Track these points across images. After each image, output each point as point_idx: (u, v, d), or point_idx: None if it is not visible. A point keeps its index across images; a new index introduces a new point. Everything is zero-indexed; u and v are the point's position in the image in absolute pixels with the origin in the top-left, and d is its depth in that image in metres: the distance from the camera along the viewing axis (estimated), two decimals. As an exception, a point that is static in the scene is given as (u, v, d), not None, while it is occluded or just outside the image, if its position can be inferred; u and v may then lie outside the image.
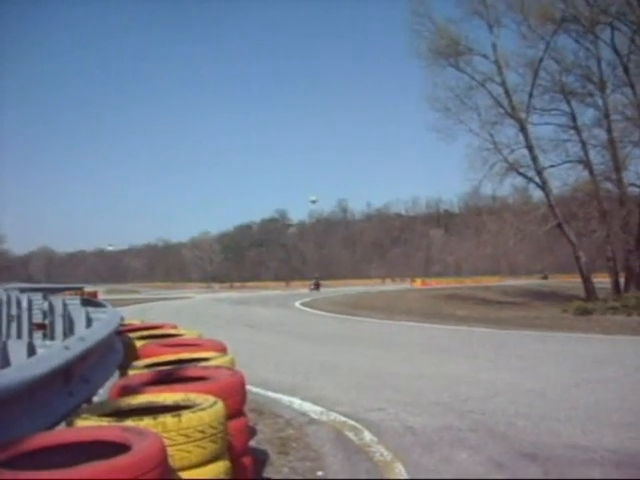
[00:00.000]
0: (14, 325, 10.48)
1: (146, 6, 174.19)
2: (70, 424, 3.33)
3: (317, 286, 63.29)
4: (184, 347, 5.67)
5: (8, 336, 11.05)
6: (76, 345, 3.92)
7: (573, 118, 31.50)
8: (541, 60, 30.84)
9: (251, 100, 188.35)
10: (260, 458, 5.65)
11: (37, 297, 9.38)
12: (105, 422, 3.14)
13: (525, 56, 31.81)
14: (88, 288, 42.87)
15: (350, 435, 6.26)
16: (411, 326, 19.84)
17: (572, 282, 42.07)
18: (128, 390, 3.99)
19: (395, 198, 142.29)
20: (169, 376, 4.39)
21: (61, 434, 2.99)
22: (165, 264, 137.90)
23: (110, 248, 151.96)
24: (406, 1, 47.11)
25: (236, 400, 4.09)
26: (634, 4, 27.78)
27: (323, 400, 7.90)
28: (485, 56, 32.24)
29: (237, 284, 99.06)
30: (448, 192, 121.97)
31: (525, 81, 32.00)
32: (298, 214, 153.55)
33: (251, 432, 6.42)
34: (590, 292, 30.09)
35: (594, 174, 30.96)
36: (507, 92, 31.69)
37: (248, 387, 8.75)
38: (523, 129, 31.45)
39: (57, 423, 3.48)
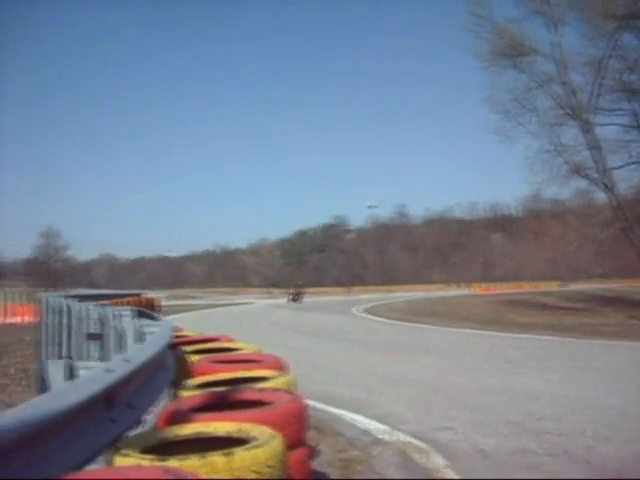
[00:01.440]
0: (72, 336, 10.31)
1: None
2: (109, 460, 2.98)
3: (298, 295, 50.31)
4: (240, 364, 5.31)
5: (68, 348, 10.90)
6: (120, 367, 3.57)
7: (637, 118, 30.46)
8: (603, 59, 29.79)
9: (309, 104, 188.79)
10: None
11: (91, 306, 9.15)
12: (147, 460, 2.77)
13: (588, 55, 30.84)
14: (150, 294, 43.22)
15: (417, 457, 5.80)
16: (474, 334, 19.24)
17: (638, 286, 40.91)
18: (176, 417, 3.64)
19: (454, 203, 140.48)
20: (222, 399, 4.03)
21: (94, 475, 2.65)
22: (224, 270, 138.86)
23: (170, 254, 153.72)
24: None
25: (296, 429, 3.70)
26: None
27: (388, 417, 7.45)
28: (547, 56, 31.34)
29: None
30: (508, 196, 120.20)
31: (586, 81, 30.97)
32: (356, 220, 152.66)
33: (312, 455, 6.06)
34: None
35: None
36: (570, 92, 30.74)
37: (307, 402, 8.47)
38: (586, 130, 30.50)
39: (96, 455, 3.13)
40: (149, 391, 4.30)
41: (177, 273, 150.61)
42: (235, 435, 3.18)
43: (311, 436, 6.69)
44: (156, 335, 5.06)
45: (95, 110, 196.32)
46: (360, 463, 5.76)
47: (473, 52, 33.14)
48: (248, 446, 2.87)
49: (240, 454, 2.78)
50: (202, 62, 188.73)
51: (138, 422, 3.86)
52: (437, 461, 5.65)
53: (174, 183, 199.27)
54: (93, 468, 2.92)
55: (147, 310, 9.62)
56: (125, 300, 29.57)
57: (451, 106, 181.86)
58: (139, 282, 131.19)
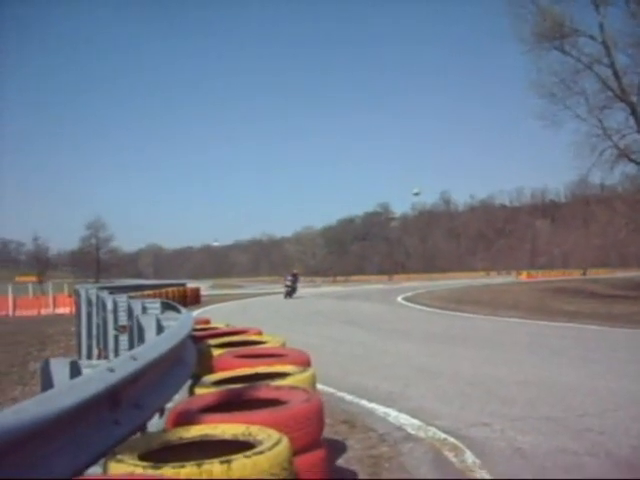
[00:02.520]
0: (104, 328, 10.25)
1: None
2: (105, 465, 2.79)
3: (294, 282, 38.93)
4: (263, 358, 5.10)
5: (101, 340, 10.86)
6: (124, 366, 3.38)
7: None
8: None
9: (355, 92, 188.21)
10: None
11: (123, 298, 9.06)
12: (140, 468, 2.58)
13: (634, 35, 30.05)
14: (193, 284, 43.46)
15: (450, 456, 5.54)
16: (517, 323, 18.85)
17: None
18: (185, 418, 3.44)
19: (499, 189, 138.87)
20: (236, 397, 3.83)
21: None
22: (269, 259, 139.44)
23: (216, 244, 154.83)
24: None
25: (311, 431, 3.46)
26: None
27: (422, 412, 7.19)
28: (592, 37, 30.58)
29: (340, 278, 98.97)
30: (554, 182, 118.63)
31: (635, 62, 30.30)
32: (401, 207, 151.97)
33: (341, 449, 5.86)
34: None
35: None
36: (616, 74, 29.98)
37: (341, 394, 8.25)
38: (634, 113, 29.73)
39: (96, 460, 2.95)
40: (163, 389, 4.12)
41: (222, 262, 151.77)
42: (242, 438, 2.98)
43: (341, 430, 6.51)
44: (172, 330, 4.88)
45: (140, 102, 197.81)
46: (389, 460, 5.53)
47: (516, 36, 32.51)
48: (249, 452, 2.65)
49: (240, 462, 2.56)
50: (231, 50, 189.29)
51: (145, 422, 3.69)
52: (470, 460, 5.39)
53: (223, 172, 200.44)
54: (82, 477, 2.73)
55: (174, 303, 9.48)
56: (169, 290, 29.87)
57: (495, 92, 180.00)
58: (185, 272, 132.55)
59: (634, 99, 29.70)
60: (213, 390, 4.09)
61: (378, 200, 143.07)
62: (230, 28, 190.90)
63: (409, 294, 38.04)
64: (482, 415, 6.94)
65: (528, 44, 31.77)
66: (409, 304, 29.69)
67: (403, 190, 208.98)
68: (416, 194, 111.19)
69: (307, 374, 4.42)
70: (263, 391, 3.87)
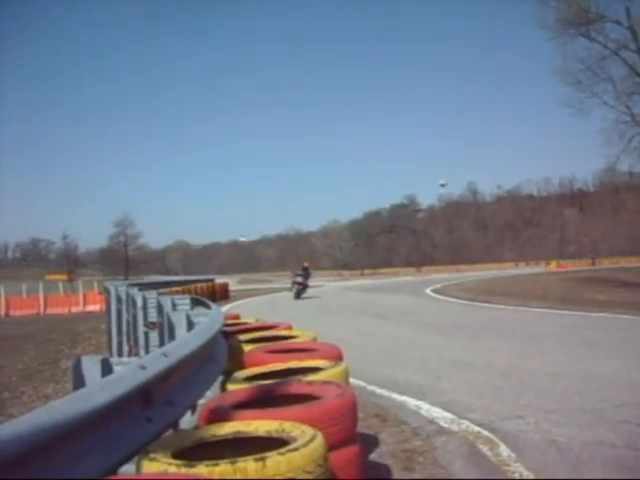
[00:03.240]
0: (135, 324, 10.28)
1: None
2: (138, 464, 2.77)
3: (305, 279, 31.94)
4: (294, 353, 5.07)
5: (132, 336, 10.89)
6: (156, 363, 3.36)
7: None
8: None
9: (379, 84, 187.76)
10: (381, 474, 4.99)
11: (153, 295, 9.08)
12: (173, 466, 2.55)
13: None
14: (222, 279, 43.59)
15: (484, 449, 5.47)
16: (548, 313, 18.64)
17: None
18: (217, 414, 3.41)
19: (526, 179, 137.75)
20: (268, 393, 3.79)
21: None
22: (296, 253, 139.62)
23: (243, 239, 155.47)
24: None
25: (344, 426, 3.42)
26: None
27: (454, 405, 7.12)
28: (618, 22, 30.16)
29: (368, 271, 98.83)
30: (582, 170, 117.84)
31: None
32: (427, 198, 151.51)
33: (374, 443, 5.81)
34: None
35: None
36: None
37: (371, 388, 8.20)
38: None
39: (129, 457, 2.94)
40: (194, 386, 4.09)
41: (250, 257, 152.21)
42: (275, 435, 2.95)
43: (373, 424, 6.46)
44: (202, 326, 4.85)
45: (161, 98, 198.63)
46: (423, 454, 5.47)
47: (540, 22, 32.13)
48: (283, 450, 2.61)
49: (274, 459, 2.52)
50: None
51: (178, 419, 3.67)
52: (505, 453, 5.32)
53: (249, 166, 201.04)
54: (115, 476, 2.71)
55: (203, 298, 9.47)
56: (198, 286, 29.96)
57: (521, 80, 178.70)
58: (213, 267, 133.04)
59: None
60: (245, 386, 4.06)
61: (404, 192, 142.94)
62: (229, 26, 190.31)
63: (437, 286, 37.84)
64: (515, 407, 6.85)
65: (553, 31, 31.43)
66: (438, 296, 29.52)
67: (429, 181, 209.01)
68: (442, 185, 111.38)
69: (339, 368, 4.37)
70: (295, 386, 3.83)
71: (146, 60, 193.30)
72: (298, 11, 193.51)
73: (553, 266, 79.44)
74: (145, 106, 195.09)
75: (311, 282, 33.87)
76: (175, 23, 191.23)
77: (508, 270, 73.09)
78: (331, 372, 4.23)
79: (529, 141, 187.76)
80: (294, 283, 31.78)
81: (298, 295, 30.69)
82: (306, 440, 2.72)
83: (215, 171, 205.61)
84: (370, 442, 5.77)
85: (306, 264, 33.93)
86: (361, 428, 5.97)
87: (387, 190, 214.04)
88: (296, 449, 2.61)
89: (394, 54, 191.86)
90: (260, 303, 30.23)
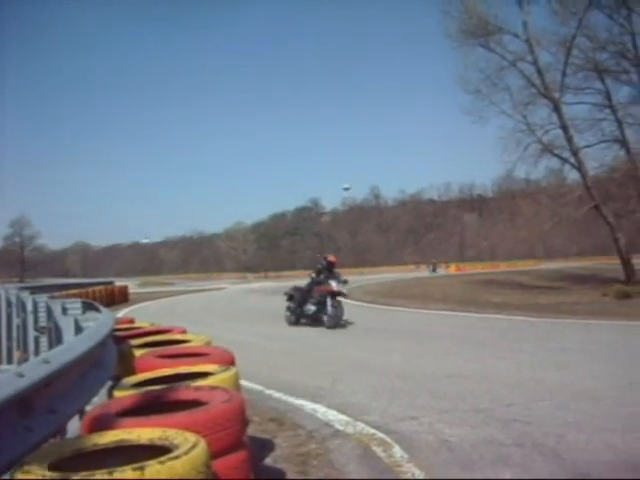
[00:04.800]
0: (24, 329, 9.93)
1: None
2: (12, 475, 2.64)
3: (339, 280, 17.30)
4: (186, 358, 4.96)
5: (21, 341, 10.52)
6: (35, 370, 3.22)
7: (608, 96, 30.52)
8: (574, 37, 29.75)
9: (282, 85, 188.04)
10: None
11: (43, 298, 8.78)
12: (48, 477, 2.44)
13: (557, 34, 30.80)
14: (121, 282, 42.80)
15: (378, 451, 5.50)
16: (447, 315, 19.07)
17: (611, 264, 41.03)
18: (101, 422, 3.29)
19: (428, 184, 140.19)
20: (155, 400, 3.68)
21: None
22: (200, 255, 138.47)
23: (145, 241, 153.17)
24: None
25: (231, 432, 3.35)
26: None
27: (350, 407, 7.13)
28: (516, 35, 31.33)
29: (272, 273, 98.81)
30: (482, 176, 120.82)
31: (558, 60, 31.01)
32: (332, 202, 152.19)
33: (269, 448, 5.77)
34: (630, 274, 29.38)
35: (631, 153, 29.94)
36: (539, 71, 30.72)
37: (269, 392, 8.15)
38: (557, 109, 30.50)
39: (7, 469, 2.79)
40: (79, 393, 3.95)
41: (152, 260, 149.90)
42: (158, 443, 2.85)
43: (269, 429, 6.42)
44: (90, 331, 4.70)
45: (66, 100, 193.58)
46: (317, 457, 5.46)
47: (444, 32, 32.94)
48: (164, 458, 2.53)
49: (154, 467, 2.44)
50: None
51: (61, 428, 3.53)
52: (398, 454, 5.36)
53: (152, 168, 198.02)
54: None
55: (95, 303, 9.22)
56: (97, 289, 29.28)
57: (425, 87, 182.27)
58: (114, 269, 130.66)
59: (556, 95, 30.38)
60: (132, 392, 3.94)
61: (309, 195, 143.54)
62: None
63: (340, 289, 37.99)
64: (411, 409, 6.93)
65: (455, 41, 32.30)
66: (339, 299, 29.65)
67: (334, 185, 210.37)
68: (346, 189, 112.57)
69: (229, 373, 4.28)
70: (183, 392, 3.74)
71: None
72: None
73: (453, 269, 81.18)
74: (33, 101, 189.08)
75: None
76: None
77: (410, 273, 74.15)
78: (220, 377, 4.15)
79: (431, 147, 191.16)
80: (330, 297, 16.66)
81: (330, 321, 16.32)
82: (188, 447, 2.64)
83: (116, 171, 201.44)
84: (265, 446, 5.73)
85: (331, 256, 18.54)
86: (257, 432, 5.95)
87: (292, 193, 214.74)
88: (177, 457, 2.54)
89: (296, 53, 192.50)
90: (162, 305, 29.79)
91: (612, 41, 30.10)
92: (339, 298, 16.87)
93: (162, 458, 2.52)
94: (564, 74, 30.56)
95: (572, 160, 30.96)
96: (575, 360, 9.83)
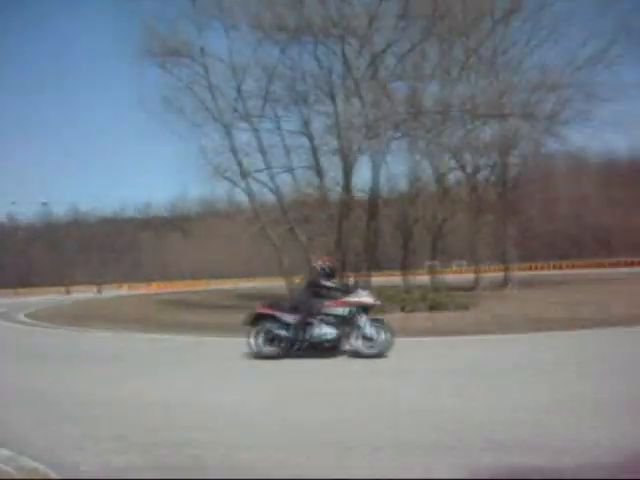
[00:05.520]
0: None
1: None
2: None
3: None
4: None
5: None
6: None
7: (305, 125, 31.90)
8: (274, 67, 31.04)
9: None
10: None
11: None
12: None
13: (260, 62, 31.59)
14: None
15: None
16: (111, 337, 18.59)
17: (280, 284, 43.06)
18: None
19: (103, 203, 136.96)
20: None
21: None
22: None
23: None
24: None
25: None
26: (362, 20, 28.35)
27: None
28: (193, 59, 31.60)
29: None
30: (159, 196, 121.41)
31: (259, 86, 31.81)
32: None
33: None
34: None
35: (323, 179, 31.70)
36: (213, 95, 31.39)
37: None
38: (228, 134, 31.47)
39: None
40: None
41: None
42: None
43: None
44: None
45: None
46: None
47: (122, 51, 32.38)
48: None
49: None
50: None
51: None
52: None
53: None
54: None
55: None
56: None
57: (101, 105, 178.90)
58: None
59: (228, 120, 31.08)
60: None
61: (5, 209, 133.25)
62: None
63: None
64: (55, 438, 6.38)
65: (132, 60, 31.77)
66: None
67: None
68: (13, 203, 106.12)
69: None
70: None
71: None
72: None
73: (125, 289, 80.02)
74: None
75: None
76: None
77: (84, 294, 71.43)
78: None
79: (110, 164, 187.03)
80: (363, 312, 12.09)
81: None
82: None
83: None
84: None
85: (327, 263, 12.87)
86: None
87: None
88: None
89: None
90: None
91: (310, 74, 31.70)
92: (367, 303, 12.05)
93: None
94: (266, 100, 31.52)
95: (242, 184, 32.02)
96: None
